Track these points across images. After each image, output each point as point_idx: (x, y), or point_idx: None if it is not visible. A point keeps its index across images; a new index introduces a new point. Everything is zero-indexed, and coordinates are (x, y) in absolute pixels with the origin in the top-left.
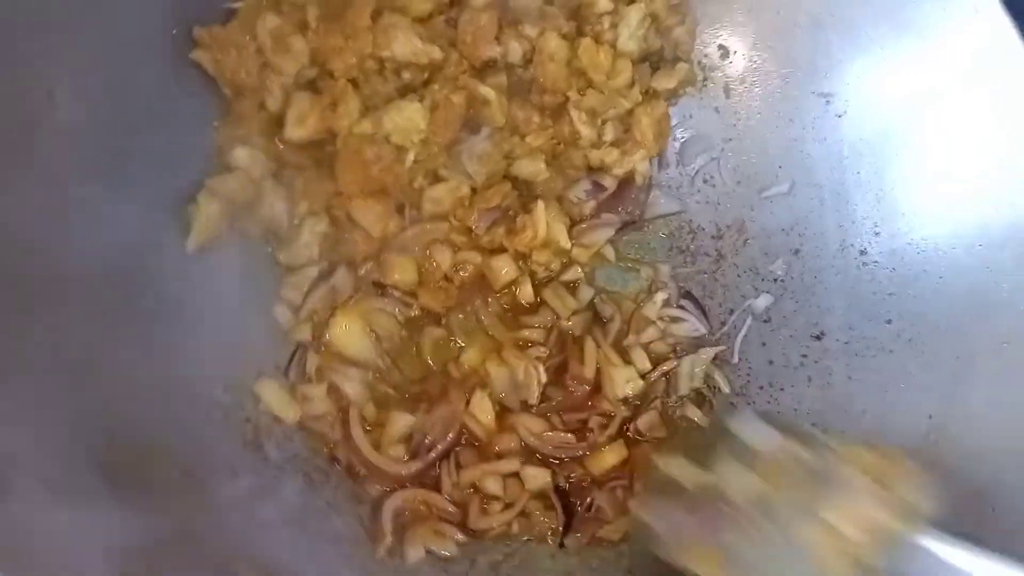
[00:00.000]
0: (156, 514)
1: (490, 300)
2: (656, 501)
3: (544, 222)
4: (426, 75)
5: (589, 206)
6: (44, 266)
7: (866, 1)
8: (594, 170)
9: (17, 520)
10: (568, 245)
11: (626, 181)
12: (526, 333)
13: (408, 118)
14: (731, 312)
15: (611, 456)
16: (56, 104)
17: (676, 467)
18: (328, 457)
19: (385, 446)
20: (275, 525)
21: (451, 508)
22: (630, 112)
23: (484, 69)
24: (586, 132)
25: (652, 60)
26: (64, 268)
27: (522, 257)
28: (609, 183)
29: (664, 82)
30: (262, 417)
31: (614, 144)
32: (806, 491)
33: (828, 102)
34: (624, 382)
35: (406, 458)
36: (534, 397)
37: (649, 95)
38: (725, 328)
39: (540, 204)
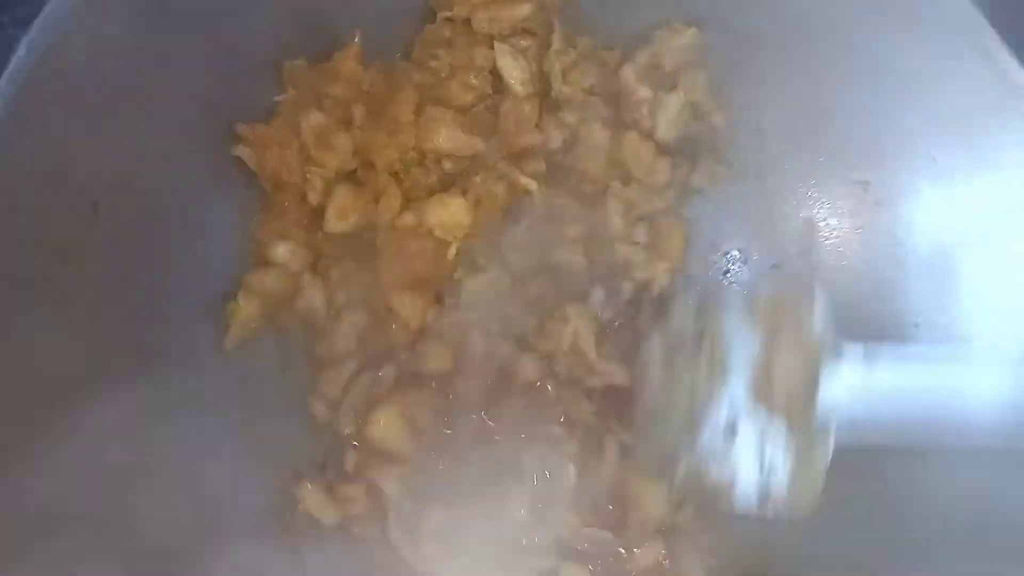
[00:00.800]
0: None
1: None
2: None
3: (573, 331)
4: (467, 164)
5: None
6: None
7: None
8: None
9: None
10: (594, 356)
11: (641, 290)
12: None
13: (452, 213)
14: None
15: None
16: (99, 215)
17: None
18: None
19: (421, 543)
20: None
21: None
22: (661, 219)
23: (522, 155)
24: (617, 223)
25: (687, 151)
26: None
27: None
28: (626, 289)
29: (703, 180)
30: (299, 521)
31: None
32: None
33: (865, 190)
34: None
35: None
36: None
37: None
38: None
39: (572, 311)
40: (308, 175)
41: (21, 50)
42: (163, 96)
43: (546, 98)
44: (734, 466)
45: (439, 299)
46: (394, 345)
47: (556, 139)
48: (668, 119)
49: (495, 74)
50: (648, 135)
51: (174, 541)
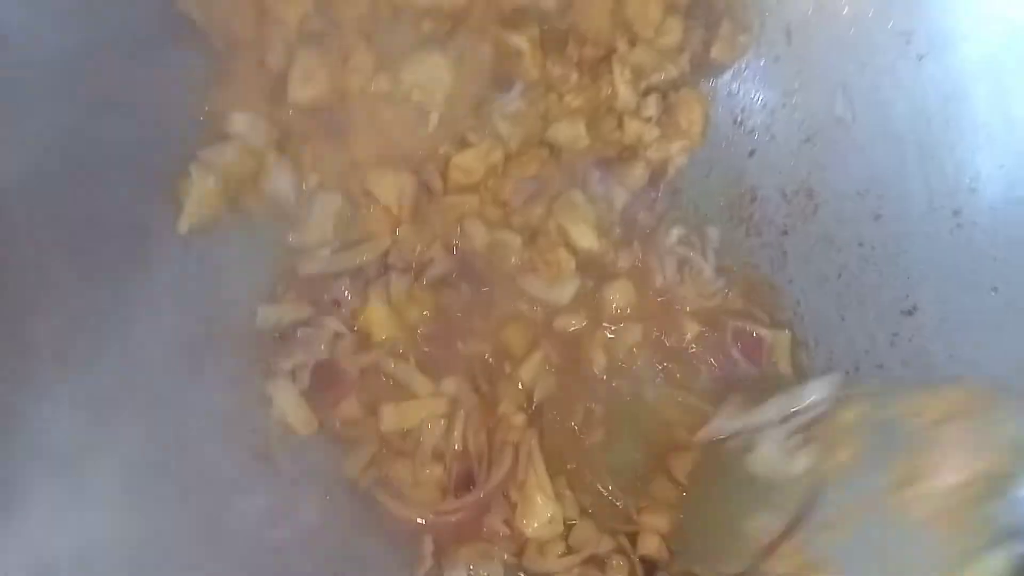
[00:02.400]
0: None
1: None
2: None
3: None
4: (449, 25)
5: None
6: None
7: None
8: (625, 149)
9: None
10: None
11: (656, 173)
12: None
13: (430, 72)
14: (803, 291)
15: None
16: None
17: None
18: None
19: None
20: (290, 550)
21: (505, 531)
22: (676, 91)
23: (513, 19)
24: (625, 93)
25: (705, 20)
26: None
27: None
28: (639, 174)
29: (723, 53)
30: (273, 425)
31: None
32: (885, 462)
33: (908, 42)
34: None
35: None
36: None
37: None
38: (801, 308)
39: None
40: (267, 33)
41: None
42: None
43: None
44: None
45: (425, 185)
46: (376, 232)
47: None
48: None
49: None
50: None
51: None
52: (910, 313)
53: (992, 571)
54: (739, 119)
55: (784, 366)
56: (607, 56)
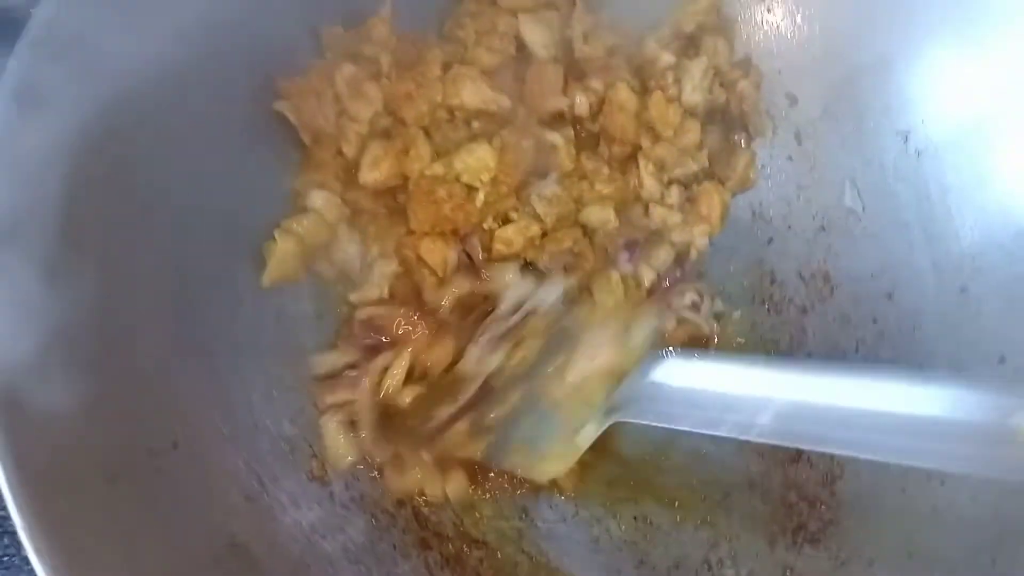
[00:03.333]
0: (215, 529)
1: None
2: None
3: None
4: (495, 125)
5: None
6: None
7: (933, 32)
8: (652, 233)
9: None
10: None
11: (680, 256)
12: None
13: (478, 158)
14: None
15: None
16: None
17: None
18: (395, 501)
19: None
20: (339, 561)
21: None
22: (699, 184)
23: (551, 123)
24: (650, 185)
25: (719, 118)
26: (142, 287)
27: None
28: (664, 256)
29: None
30: (329, 453)
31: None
32: (552, 356)
33: (906, 139)
34: None
35: None
36: None
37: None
38: None
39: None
40: (343, 127)
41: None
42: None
43: (571, 67)
44: None
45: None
46: (421, 290)
47: (582, 104)
48: (693, 83)
49: (519, 40)
50: (674, 100)
51: (205, 434)
52: None
53: (589, 436)
54: (757, 211)
55: None
56: (633, 153)
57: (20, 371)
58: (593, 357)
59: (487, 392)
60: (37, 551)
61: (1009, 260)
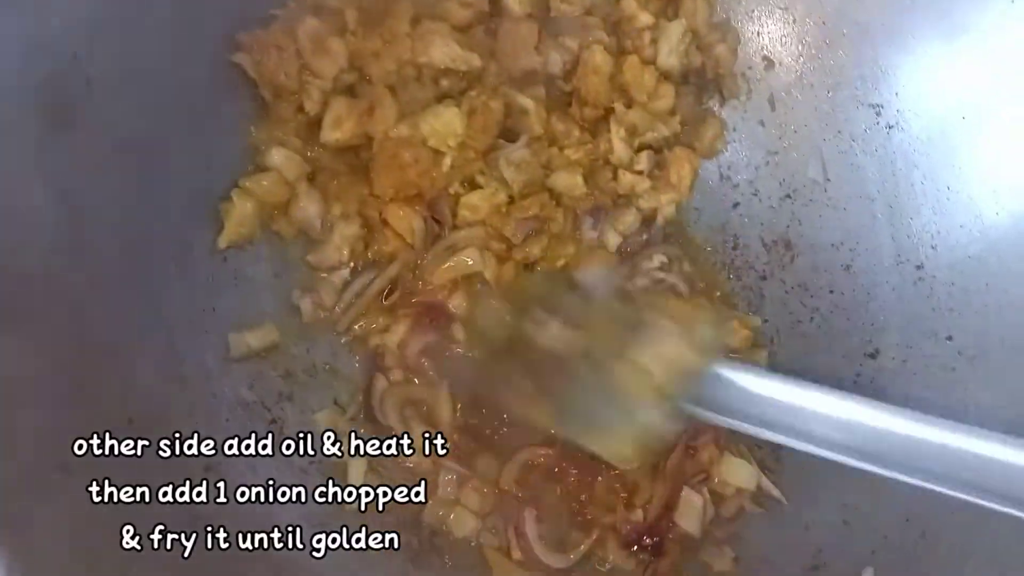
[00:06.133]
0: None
1: None
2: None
3: None
4: (464, 84)
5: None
6: (73, 249)
7: (913, 6)
8: (619, 198)
9: None
10: None
11: (647, 220)
12: None
13: (445, 122)
14: (777, 330)
15: None
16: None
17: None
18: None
19: None
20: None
21: None
22: (670, 149)
23: (523, 81)
24: (620, 149)
25: (692, 79)
26: (93, 254)
27: None
28: (631, 219)
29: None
30: (288, 418)
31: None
32: (620, 338)
33: (878, 113)
34: None
35: None
36: None
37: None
38: (774, 346)
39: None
40: (305, 83)
41: None
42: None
43: (546, 22)
44: None
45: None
46: (385, 255)
47: (556, 62)
48: (670, 46)
49: None
50: (650, 62)
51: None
52: (873, 356)
53: (654, 422)
54: (726, 174)
55: None
56: (606, 116)
57: None
58: (660, 344)
59: (554, 360)
60: None
61: (967, 240)
